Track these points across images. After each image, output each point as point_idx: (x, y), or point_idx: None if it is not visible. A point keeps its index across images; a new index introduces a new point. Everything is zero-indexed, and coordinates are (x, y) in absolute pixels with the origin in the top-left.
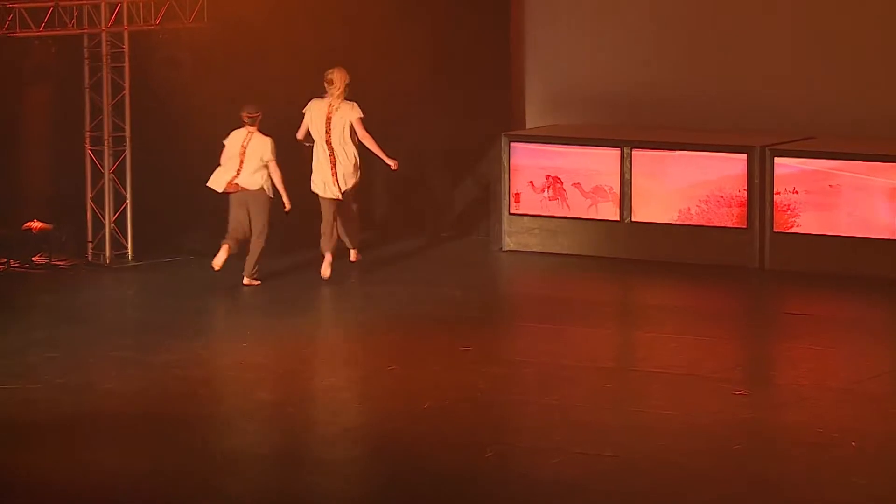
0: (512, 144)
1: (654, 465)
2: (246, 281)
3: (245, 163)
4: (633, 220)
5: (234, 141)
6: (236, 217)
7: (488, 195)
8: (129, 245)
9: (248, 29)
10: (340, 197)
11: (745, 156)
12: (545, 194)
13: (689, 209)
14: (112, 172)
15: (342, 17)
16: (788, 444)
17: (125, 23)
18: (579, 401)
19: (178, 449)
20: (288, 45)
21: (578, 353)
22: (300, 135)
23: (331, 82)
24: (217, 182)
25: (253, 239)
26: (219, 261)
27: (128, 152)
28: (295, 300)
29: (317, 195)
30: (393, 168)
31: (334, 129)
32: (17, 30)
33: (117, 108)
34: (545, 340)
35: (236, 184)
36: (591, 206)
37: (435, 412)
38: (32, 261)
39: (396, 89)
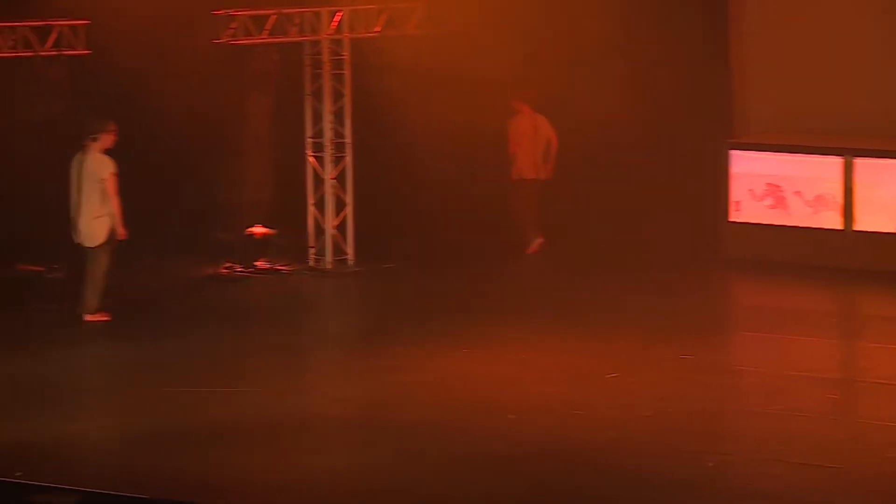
0: (732, 152)
1: (878, 479)
2: None
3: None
4: (855, 228)
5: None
6: None
7: (708, 203)
8: (350, 250)
9: (467, 36)
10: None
11: None
12: (765, 202)
13: None
14: (333, 178)
15: (556, 25)
16: None
17: (346, 30)
18: (801, 411)
19: (398, 453)
20: (504, 52)
21: (800, 363)
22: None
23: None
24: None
25: None
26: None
27: (348, 158)
28: (510, 307)
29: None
30: None
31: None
32: (241, 37)
33: (338, 115)
34: (766, 350)
35: None
36: (812, 214)
37: (655, 421)
38: (256, 266)
39: (614, 95)
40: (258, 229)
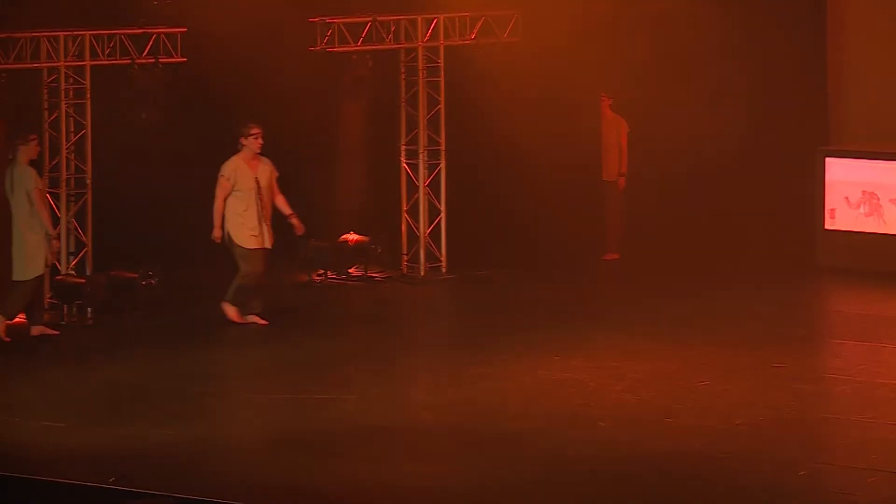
0: (827, 160)
1: None
2: None
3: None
4: None
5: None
6: None
7: (803, 211)
8: (443, 258)
9: (561, 44)
10: None
11: None
12: (861, 210)
13: None
14: (427, 185)
15: (651, 35)
16: None
17: (441, 37)
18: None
19: (490, 461)
20: (598, 61)
21: (894, 372)
22: None
23: None
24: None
25: None
26: None
27: (442, 166)
28: (602, 314)
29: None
30: None
31: None
32: (336, 44)
33: (432, 122)
34: (861, 358)
35: None
36: None
37: (747, 429)
38: (349, 273)
39: (709, 104)
40: (352, 236)
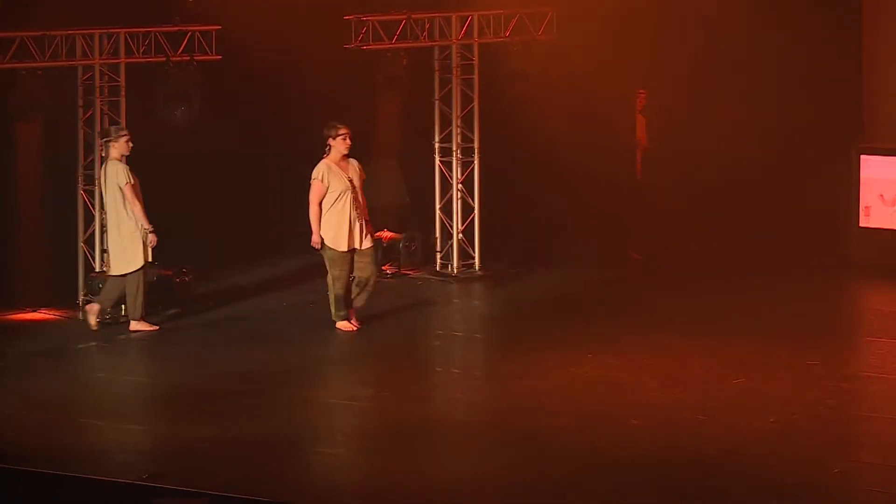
0: (862, 157)
1: None
2: None
3: None
4: None
5: None
6: None
7: (838, 208)
8: (477, 255)
9: (596, 42)
10: None
11: None
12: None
13: None
14: (460, 183)
15: (684, 31)
16: None
17: (475, 35)
18: None
19: (523, 459)
20: (631, 59)
21: None
22: None
23: None
24: None
25: None
26: None
27: (476, 163)
28: (635, 312)
29: None
30: None
31: None
32: (371, 42)
33: (466, 120)
34: (894, 356)
35: None
36: None
37: (781, 427)
38: (382, 270)
39: (743, 99)
40: (385, 234)
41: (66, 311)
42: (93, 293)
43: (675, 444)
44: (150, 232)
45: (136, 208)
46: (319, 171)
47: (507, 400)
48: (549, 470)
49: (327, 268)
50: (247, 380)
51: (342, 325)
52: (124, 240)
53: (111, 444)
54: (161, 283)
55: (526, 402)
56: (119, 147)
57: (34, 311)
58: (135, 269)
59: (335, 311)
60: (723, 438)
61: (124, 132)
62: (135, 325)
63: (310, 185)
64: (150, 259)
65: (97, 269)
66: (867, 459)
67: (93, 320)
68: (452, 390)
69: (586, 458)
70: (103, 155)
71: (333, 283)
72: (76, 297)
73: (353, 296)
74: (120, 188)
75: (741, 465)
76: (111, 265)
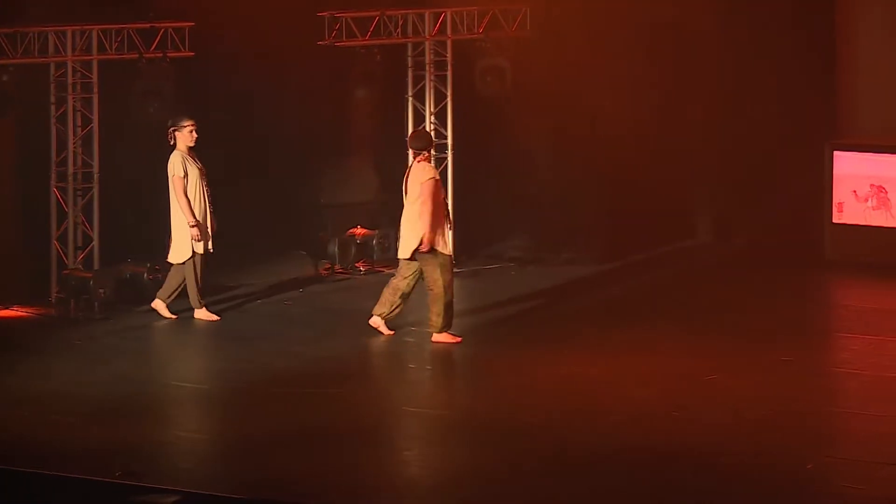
0: (835, 153)
1: None
2: None
3: None
4: None
5: None
6: None
7: (811, 205)
8: (450, 252)
9: (570, 39)
10: None
11: None
12: (869, 204)
13: None
14: None
15: (658, 25)
16: None
17: (449, 31)
18: None
19: (501, 456)
20: (609, 55)
21: None
22: None
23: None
24: None
25: None
26: None
27: (449, 160)
28: (607, 308)
29: None
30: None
31: None
32: (344, 38)
33: (440, 116)
34: (869, 352)
35: None
36: None
37: (755, 423)
38: (356, 267)
39: (715, 95)
40: (359, 230)
41: (39, 308)
42: (66, 291)
43: (649, 441)
44: (192, 226)
45: (182, 201)
46: (433, 171)
47: (480, 397)
48: (522, 466)
49: (434, 275)
50: (218, 377)
51: (446, 337)
52: (177, 230)
53: (84, 442)
54: (133, 281)
55: (500, 398)
56: (183, 137)
57: (6, 308)
58: (184, 260)
59: (443, 321)
60: (696, 435)
61: (188, 122)
62: (196, 314)
63: (429, 184)
64: (199, 251)
65: (70, 267)
66: (841, 455)
67: (166, 313)
68: (425, 387)
69: (560, 454)
70: (171, 143)
71: (446, 292)
72: (49, 295)
73: (394, 308)
74: (170, 179)
75: (715, 461)
76: (169, 254)
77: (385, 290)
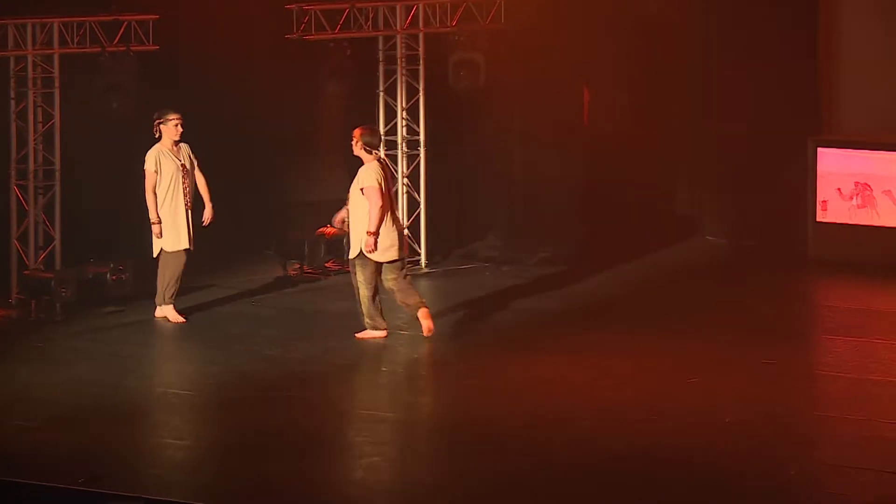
0: (819, 150)
1: None
2: None
3: None
4: None
5: None
6: None
7: (794, 202)
8: (423, 252)
9: (545, 32)
10: None
11: None
12: (853, 202)
13: None
14: (406, 177)
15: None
16: None
17: (421, 24)
18: (890, 417)
19: (471, 460)
20: (582, 48)
21: (889, 368)
22: None
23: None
24: None
25: None
26: None
27: (422, 156)
28: (584, 310)
29: None
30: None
31: None
32: (313, 32)
33: (412, 112)
34: (853, 354)
35: None
36: None
37: (737, 427)
38: (325, 267)
39: (696, 91)
40: (329, 229)
41: None
42: (26, 292)
43: (628, 445)
44: (154, 223)
45: (148, 197)
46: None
47: (455, 400)
48: (498, 470)
49: (361, 275)
50: (179, 380)
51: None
52: (165, 225)
53: (46, 447)
54: (95, 281)
55: (475, 401)
56: (168, 131)
57: None
58: (155, 254)
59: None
60: (677, 439)
61: (174, 116)
62: (157, 311)
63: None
64: (168, 249)
65: (31, 267)
66: (824, 460)
67: (178, 318)
68: (398, 390)
69: (536, 458)
70: (157, 136)
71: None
72: (9, 296)
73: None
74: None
75: (695, 465)
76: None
77: (395, 297)
